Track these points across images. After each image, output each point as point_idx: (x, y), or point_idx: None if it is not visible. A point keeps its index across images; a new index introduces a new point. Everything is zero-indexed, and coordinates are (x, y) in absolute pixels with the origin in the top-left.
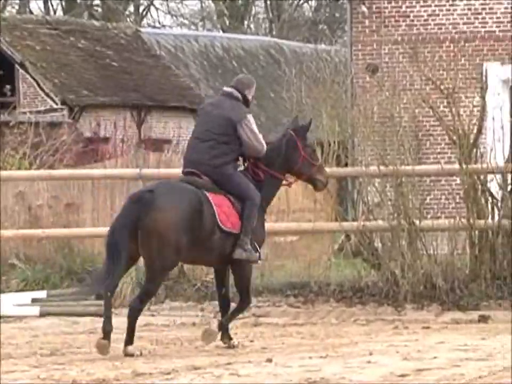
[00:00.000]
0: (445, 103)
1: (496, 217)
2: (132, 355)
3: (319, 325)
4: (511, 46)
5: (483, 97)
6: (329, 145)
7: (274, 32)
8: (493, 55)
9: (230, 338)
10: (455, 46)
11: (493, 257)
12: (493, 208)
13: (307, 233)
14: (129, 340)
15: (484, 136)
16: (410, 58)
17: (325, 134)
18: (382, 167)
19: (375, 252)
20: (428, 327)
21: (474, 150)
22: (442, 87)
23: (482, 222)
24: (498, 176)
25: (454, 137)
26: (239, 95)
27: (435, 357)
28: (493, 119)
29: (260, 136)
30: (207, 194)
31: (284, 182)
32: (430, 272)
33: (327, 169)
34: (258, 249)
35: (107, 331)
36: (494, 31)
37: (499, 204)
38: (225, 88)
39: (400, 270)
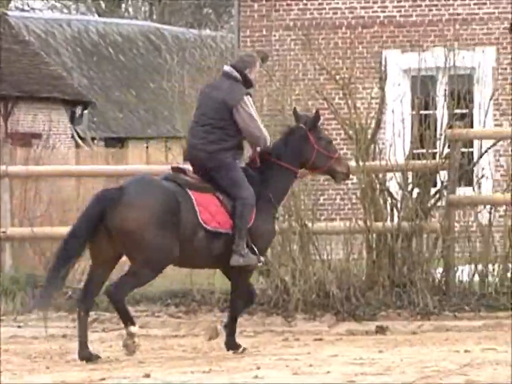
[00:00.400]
0: (341, 95)
1: (396, 219)
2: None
3: (202, 336)
4: (413, 32)
5: (382, 88)
6: None
7: (154, 17)
8: (393, 42)
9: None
10: (352, 33)
11: (392, 262)
12: (392, 210)
13: None
14: (127, 321)
15: (382, 131)
16: (303, 46)
17: None
18: None
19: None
20: (320, 339)
21: (372, 146)
22: (337, 77)
23: (380, 224)
24: (398, 175)
25: (350, 132)
26: (238, 75)
27: (328, 372)
28: (393, 112)
29: (259, 121)
30: (189, 192)
31: (300, 175)
32: (324, 279)
33: None
34: (255, 250)
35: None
36: (395, 16)
37: (399, 205)
38: (225, 67)
39: (291, 277)
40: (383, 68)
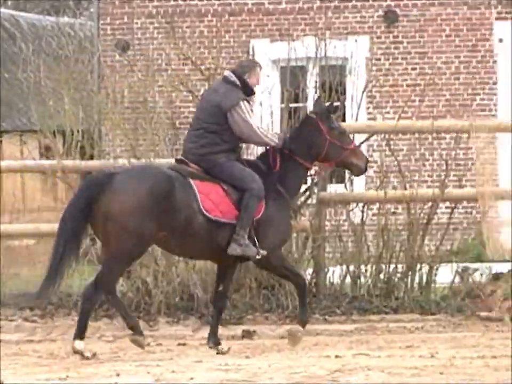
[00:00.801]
0: (206, 86)
1: None
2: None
3: (59, 341)
4: (283, 20)
5: None
6: (72, 134)
7: (9, 3)
8: (261, 31)
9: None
10: (218, 21)
11: None
12: None
13: (47, 236)
14: (78, 334)
15: None
16: (167, 34)
17: (67, 121)
18: (133, 160)
19: None
20: (184, 344)
21: None
22: (203, 67)
23: None
24: None
25: None
26: (236, 80)
27: (191, 378)
28: (261, 104)
29: (253, 124)
30: (191, 181)
31: (313, 170)
32: (187, 281)
33: (69, 162)
34: (255, 242)
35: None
36: (263, 4)
37: None
38: (225, 72)
39: (153, 279)
40: (250, 58)
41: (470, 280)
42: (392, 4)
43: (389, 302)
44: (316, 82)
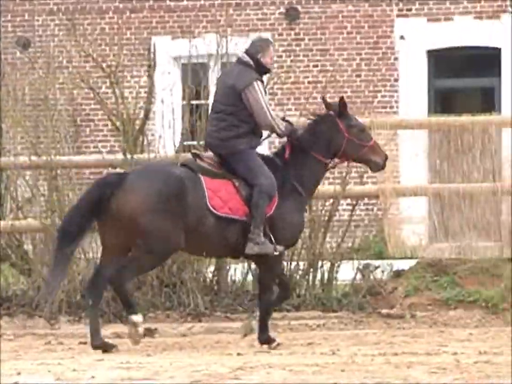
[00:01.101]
0: (108, 83)
1: None
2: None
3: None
4: (184, 18)
5: (151, 77)
6: None
7: None
8: (163, 28)
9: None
10: (120, 18)
11: None
12: None
13: None
14: (130, 309)
15: (152, 122)
16: (68, 31)
17: None
18: (34, 157)
19: (25, 255)
20: (85, 343)
21: (141, 138)
22: (104, 64)
23: None
24: None
25: (118, 123)
26: (250, 60)
27: (93, 377)
28: (162, 102)
29: (264, 105)
30: (201, 178)
31: (331, 164)
32: None
33: None
34: (272, 239)
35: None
36: (164, 1)
37: None
38: (239, 53)
39: None
40: (152, 55)
41: (372, 277)
42: (294, 1)
43: (291, 299)
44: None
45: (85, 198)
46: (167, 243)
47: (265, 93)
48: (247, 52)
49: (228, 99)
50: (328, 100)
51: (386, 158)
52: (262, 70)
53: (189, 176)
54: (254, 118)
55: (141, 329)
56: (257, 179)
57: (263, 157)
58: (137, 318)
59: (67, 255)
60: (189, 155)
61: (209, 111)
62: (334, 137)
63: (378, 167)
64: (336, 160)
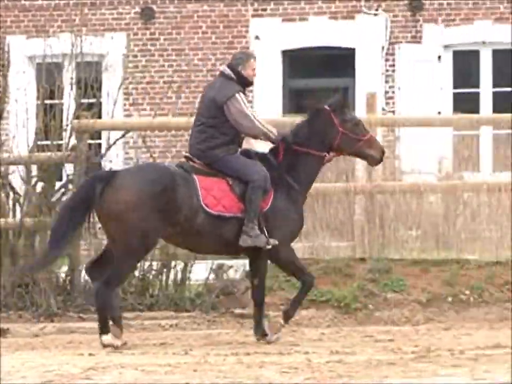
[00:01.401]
0: None
1: (18, 215)
2: (110, 345)
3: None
4: (39, 17)
5: (5, 76)
6: None
7: None
8: (17, 28)
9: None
10: None
11: (14, 261)
12: (14, 205)
13: None
14: (103, 329)
15: (5, 121)
16: None
17: None
18: None
19: None
20: None
21: None
22: None
23: (2, 220)
24: (22, 168)
25: None
26: (231, 73)
27: None
28: (16, 101)
29: (250, 113)
30: (195, 177)
31: (327, 158)
32: None
33: None
34: (265, 233)
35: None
36: (19, 0)
37: (22, 200)
38: (221, 66)
39: None
40: (6, 55)
41: (225, 277)
42: (149, 0)
43: (144, 299)
44: (72, 79)
45: (75, 195)
46: (149, 241)
47: (248, 103)
48: (228, 65)
49: (209, 112)
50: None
51: (383, 151)
52: (243, 82)
53: (182, 175)
54: (237, 129)
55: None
56: (248, 176)
57: (257, 154)
58: (107, 338)
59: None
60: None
61: (192, 124)
62: (328, 132)
63: (375, 161)
64: (332, 154)
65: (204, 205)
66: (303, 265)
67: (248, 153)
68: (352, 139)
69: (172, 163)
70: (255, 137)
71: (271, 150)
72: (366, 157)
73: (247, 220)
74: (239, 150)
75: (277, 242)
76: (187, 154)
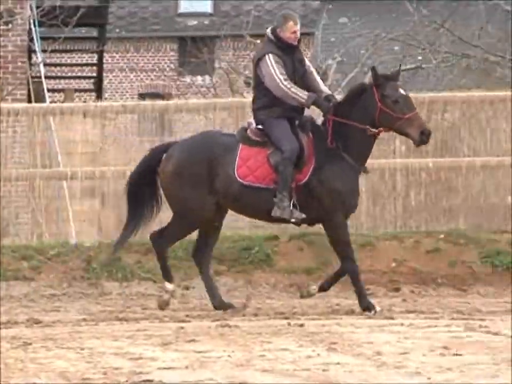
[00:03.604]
0: None
1: None
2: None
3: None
4: None
5: None
6: None
7: None
8: None
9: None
10: None
11: None
12: None
13: None
14: (164, 275)
15: None
16: None
17: None
18: None
19: None
20: None
21: None
22: None
23: None
24: None
25: None
26: (271, 35)
27: None
28: None
29: (278, 76)
30: (240, 146)
31: (370, 132)
32: None
33: None
34: (296, 205)
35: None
36: None
37: None
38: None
39: None
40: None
41: None
42: None
43: None
44: None
45: (138, 166)
46: (195, 209)
47: (282, 65)
48: (272, 27)
49: (253, 73)
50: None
51: (422, 132)
52: (283, 44)
53: (228, 144)
54: (268, 86)
55: (166, 297)
56: (280, 145)
57: (313, 125)
58: (168, 285)
59: (139, 215)
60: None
61: None
62: (368, 106)
63: (419, 140)
64: (380, 128)
65: (236, 175)
66: (349, 249)
67: (295, 122)
68: (390, 116)
69: (232, 131)
70: (286, 99)
71: (323, 121)
72: (407, 136)
73: (278, 191)
74: (294, 116)
75: (302, 216)
76: (248, 121)
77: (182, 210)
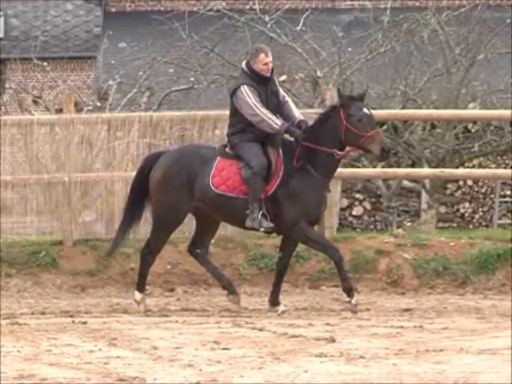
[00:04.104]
0: None
1: None
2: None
3: None
4: None
5: None
6: None
7: None
8: None
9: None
10: None
11: None
12: None
13: None
14: (138, 286)
15: None
16: None
17: None
18: None
19: None
20: None
21: None
22: None
23: None
24: None
25: None
26: (245, 67)
27: None
28: None
29: (254, 104)
30: (218, 158)
31: (337, 155)
32: None
33: None
34: (266, 215)
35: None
36: None
37: None
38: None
39: None
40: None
41: None
42: None
43: None
44: None
45: (135, 175)
46: (173, 212)
47: (256, 95)
48: (246, 60)
49: (229, 103)
50: (341, 92)
51: (383, 148)
52: (255, 76)
53: (208, 156)
54: (247, 118)
55: (141, 307)
56: (250, 162)
57: (284, 142)
58: (138, 296)
59: (134, 216)
60: None
61: None
62: (336, 126)
63: (377, 157)
64: (347, 149)
65: (211, 184)
66: (321, 241)
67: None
68: (355, 134)
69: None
70: (261, 127)
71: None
72: (369, 152)
73: (249, 203)
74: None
75: (269, 225)
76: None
77: (163, 213)
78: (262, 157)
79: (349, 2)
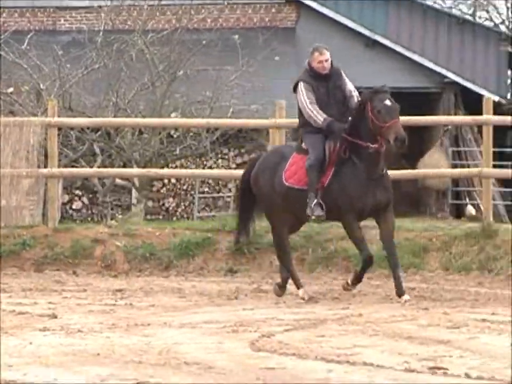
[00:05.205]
0: None
1: None
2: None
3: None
4: None
5: None
6: None
7: None
8: None
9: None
10: None
11: None
12: None
13: None
14: (295, 284)
15: None
16: None
17: None
18: None
19: None
20: None
21: None
22: None
23: None
24: None
25: None
26: (306, 65)
27: None
28: None
29: (304, 100)
30: (293, 154)
31: (371, 148)
32: None
33: None
34: (322, 204)
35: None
36: None
37: None
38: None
39: None
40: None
41: None
42: None
43: None
44: None
45: (243, 173)
46: (269, 204)
47: (310, 92)
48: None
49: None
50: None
51: (396, 137)
52: (313, 73)
53: (287, 153)
54: None
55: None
56: (310, 154)
57: (348, 136)
58: (301, 292)
59: (247, 207)
60: None
61: None
62: (367, 119)
63: (395, 146)
64: (378, 144)
65: (283, 178)
66: (361, 241)
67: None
68: (377, 125)
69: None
70: (309, 120)
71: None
72: (388, 142)
73: (307, 191)
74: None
75: (319, 214)
76: None
77: (267, 207)
78: (319, 149)
79: (67, 25)
